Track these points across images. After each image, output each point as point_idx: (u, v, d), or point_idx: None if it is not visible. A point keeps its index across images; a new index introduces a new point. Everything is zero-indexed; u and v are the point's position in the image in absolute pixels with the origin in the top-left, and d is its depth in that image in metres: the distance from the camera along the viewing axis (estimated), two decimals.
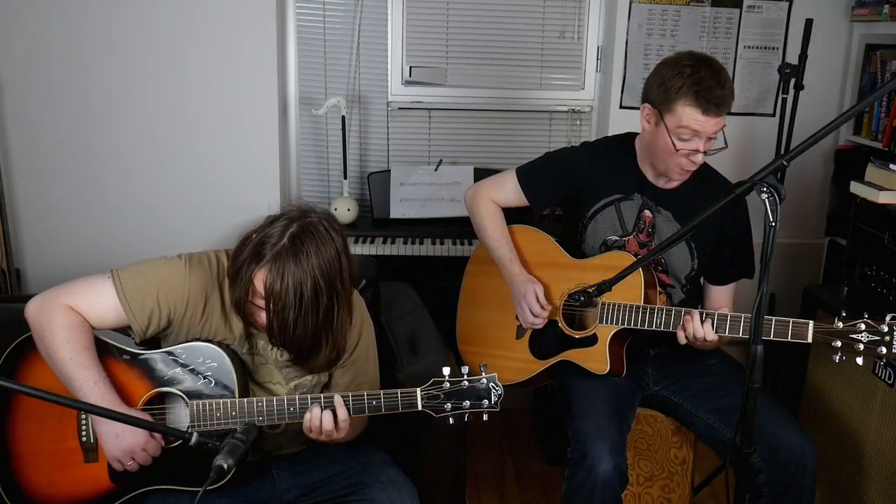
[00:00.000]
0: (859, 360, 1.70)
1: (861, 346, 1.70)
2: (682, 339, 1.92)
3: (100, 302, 1.64)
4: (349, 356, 1.79)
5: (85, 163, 2.97)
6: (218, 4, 2.89)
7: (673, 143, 1.94)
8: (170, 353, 1.68)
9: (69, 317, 1.61)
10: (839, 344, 1.72)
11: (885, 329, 1.68)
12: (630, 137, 2.16)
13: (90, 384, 1.59)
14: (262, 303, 1.55)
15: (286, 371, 1.76)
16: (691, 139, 1.93)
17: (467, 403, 1.63)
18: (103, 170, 2.98)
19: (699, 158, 1.96)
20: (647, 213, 2.10)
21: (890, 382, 2.12)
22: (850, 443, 2.27)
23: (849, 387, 2.29)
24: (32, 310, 1.63)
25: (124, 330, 1.69)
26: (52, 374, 1.65)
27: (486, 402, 1.63)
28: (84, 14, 2.85)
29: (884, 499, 2.14)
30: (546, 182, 2.19)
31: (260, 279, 1.53)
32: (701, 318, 1.88)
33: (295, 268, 1.50)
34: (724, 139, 1.99)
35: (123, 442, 1.60)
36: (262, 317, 1.57)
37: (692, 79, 1.89)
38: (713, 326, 1.88)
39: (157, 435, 1.63)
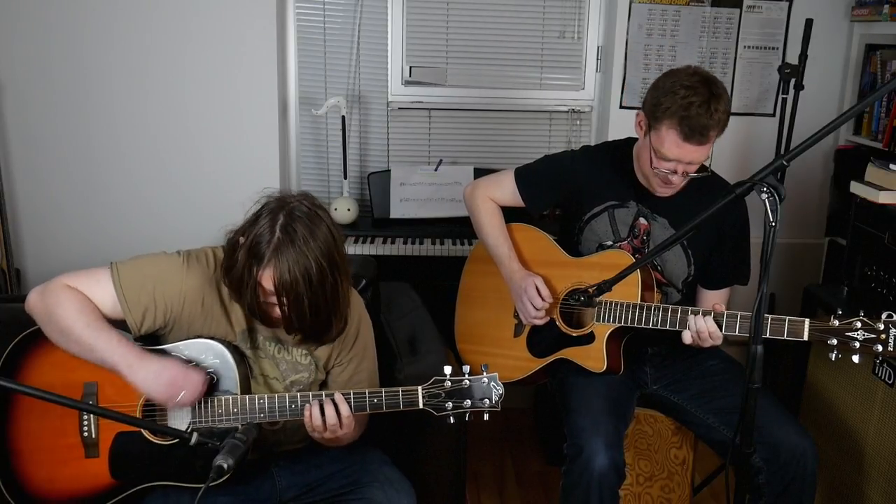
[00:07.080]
0: (855, 358, 1.71)
1: (857, 344, 1.70)
2: (686, 339, 1.90)
3: (98, 290, 1.64)
4: (347, 353, 1.80)
5: (85, 163, 2.97)
6: (218, 4, 2.89)
7: (651, 159, 1.94)
8: (173, 350, 1.67)
9: (75, 293, 1.62)
10: (835, 342, 1.72)
11: (881, 327, 1.68)
12: (630, 143, 2.14)
13: (113, 344, 1.58)
14: (275, 299, 1.55)
15: (283, 368, 1.76)
16: (670, 161, 1.92)
17: (468, 403, 1.63)
18: (103, 170, 2.99)
19: (676, 180, 1.95)
20: (643, 220, 2.10)
21: (890, 382, 2.12)
22: (850, 443, 2.27)
23: (849, 387, 2.29)
24: (35, 296, 1.63)
25: (124, 326, 1.69)
26: (53, 371, 1.65)
27: (486, 401, 1.63)
28: (84, 14, 2.85)
29: (884, 499, 2.14)
30: (543, 185, 2.19)
31: (268, 278, 1.53)
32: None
33: (297, 256, 1.51)
34: (708, 165, 1.99)
35: (164, 376, 1.58)
36: (279, 312, 1.58)
37: (682, 103, 1.84)
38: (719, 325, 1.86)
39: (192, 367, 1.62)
